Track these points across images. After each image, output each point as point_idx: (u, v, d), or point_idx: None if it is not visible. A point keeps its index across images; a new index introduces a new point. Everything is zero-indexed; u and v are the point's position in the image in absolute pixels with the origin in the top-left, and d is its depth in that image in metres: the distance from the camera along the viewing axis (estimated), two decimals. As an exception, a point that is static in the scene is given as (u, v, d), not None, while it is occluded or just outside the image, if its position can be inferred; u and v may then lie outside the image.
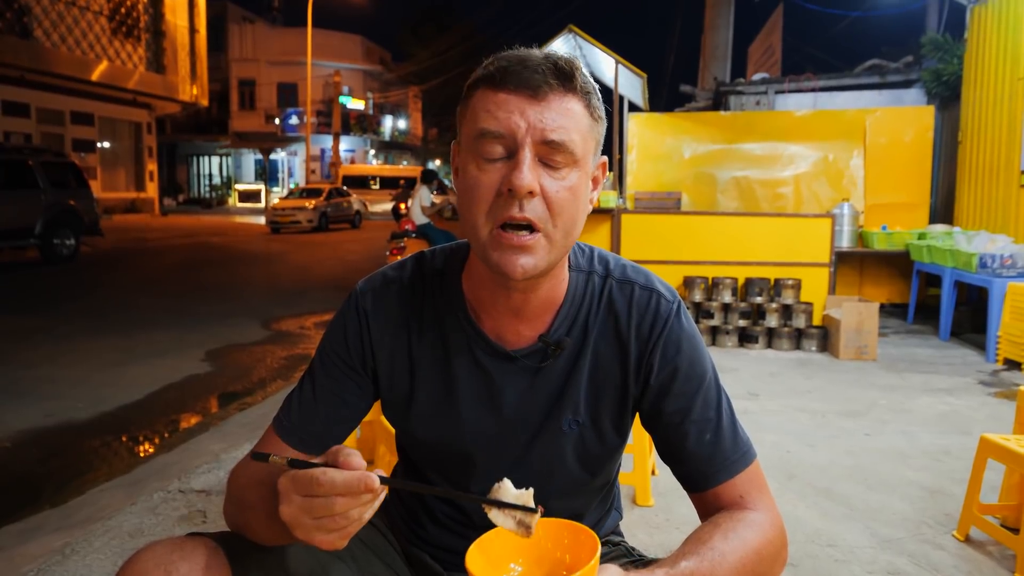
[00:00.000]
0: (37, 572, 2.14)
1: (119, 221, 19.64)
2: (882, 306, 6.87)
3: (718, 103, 10.05)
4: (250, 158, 35.66)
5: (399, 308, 1.04)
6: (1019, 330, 4.91)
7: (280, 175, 35.40)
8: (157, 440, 3.72)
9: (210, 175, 35.86)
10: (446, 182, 20.08)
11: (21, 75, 17.33)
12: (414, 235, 8.32)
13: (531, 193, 0.87)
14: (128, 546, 2.29)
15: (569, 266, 1.02)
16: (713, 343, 5.75)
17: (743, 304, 5.73)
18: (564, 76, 0.89)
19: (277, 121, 33.31)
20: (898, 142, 7.53)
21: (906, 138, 7.51)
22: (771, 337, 5.68)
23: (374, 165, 34.64)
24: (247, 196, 33.75)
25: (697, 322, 5.58)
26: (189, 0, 23.33)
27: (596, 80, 0.96)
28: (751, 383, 4.58)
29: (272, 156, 34.52)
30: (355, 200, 23.08)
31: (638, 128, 8.34)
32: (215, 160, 35.66)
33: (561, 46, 7.66)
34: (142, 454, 3.54)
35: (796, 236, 5.89)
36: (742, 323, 5.72)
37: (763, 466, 1.03)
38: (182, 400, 4.39)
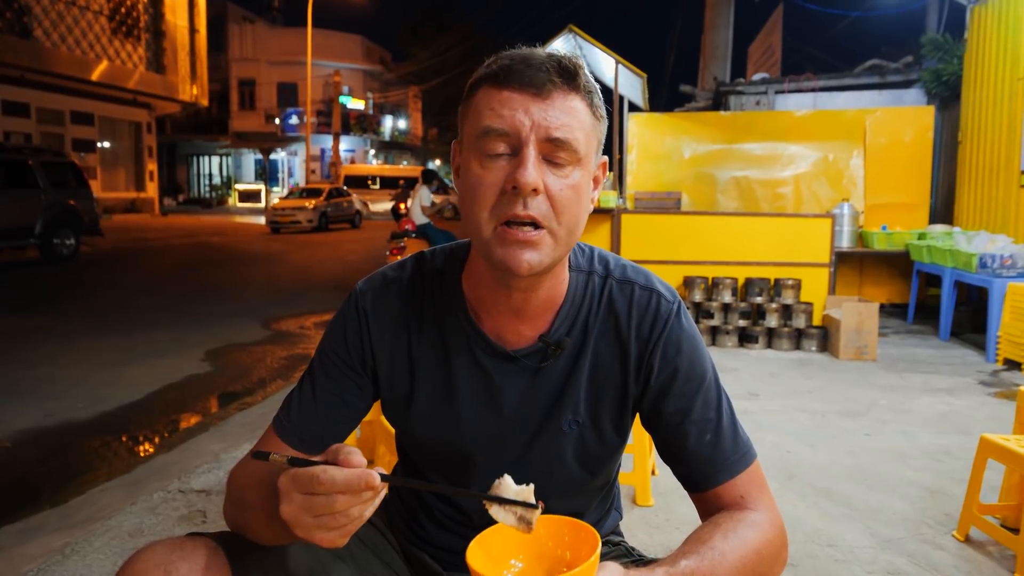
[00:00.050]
0: (37, 572, 2.14)
1: (119, 221, 19.64)
2: (882, 306, 6.88)
3: (718, 103, 10.05)
4: (250, 158, 35.66)
5: (399, 308, 1.04)
6: (1019, 330, 4.91)
7: (280, 175, 35.40)
8: (157, 440, 3.72)
9: (210, 175, 35.86)
10: (447, 182, 20.08)
11: (21, 75, 17.33)
12: (414, 235, 8.32)
13: (535, 191, 0.87)
14: (128, 546, 2.29)
15: (569, 266, 1.02)
16: (713, 343, 5.75)
17: (743, 304, 5.73)
18: (568, 75, 0.89)
19: (277, 121, 33.32)
20: (898, 142, 7.53)
21: (906, 138, 7.51)
22: (771, 337, 5.68)
23: (374, 165, 34.65)
24: (247, 196, 33.75)
25: (697, 322, 5.59)
26: (189, 0, 23.32)
27: (596, 80, 0.96)
28: (751, 383, 4.58)
29: (272, 156, 34.52)
30: (356, 200, 23.09)
31: (638, 128, 8.34)
32: (215, 160, 35.66)
33: (561, 46, 7.66)
34: (142, 454, 3.54)
35: (796, 236, 5.89)
36: (742, 323, 5.72)
37: (763, 466, 1.03)
38: (182, 400, 4.39)
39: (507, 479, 0.80)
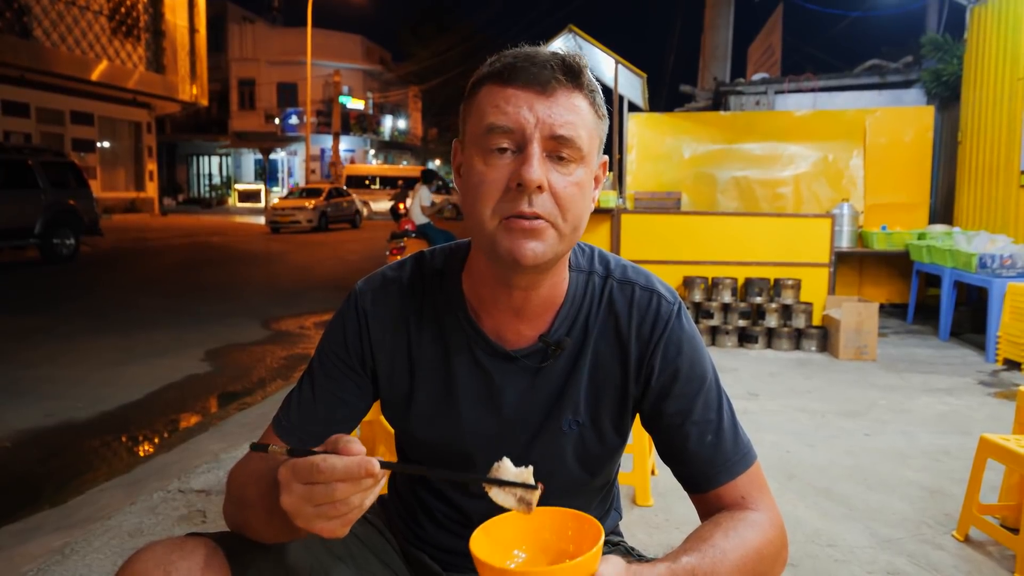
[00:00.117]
0: (37, 572, 2.14)
1: (119, 221, 19.64)
2: (882, 306, 6.88)
3: (718, 103, 10.05)
4: (250, 158, 35.66)
5: (399, 308, 1.04)
6: (1019, 330, 4.91)
7: (280, 175, 35.40)
8: (157, 440, 3.72)
9: (210, 175, 35.86)
10: (448, 182, 20.09)
11: (21, 75, 17.33)
12: (414, 235, 8.32)
13: (540, 188, 0.87)
14: (128, 546, 2.29)
15: (569, 266, 1.02)
16: (713, 343, 5.75)
17: (743, 304, 5.73)
18: (572, 73, 0.90)
19: (277, 121, 33.32)
20: (898, 142, 7.53)
21: (906, 138, 7.51)
22: (771, 337, 5.68)
23: (374, 165, 34.66)
24: (247, 196, 33.75)
25: (697, 322, 5.59)
26: (189, 0, 23.32)
27: (596, 80, 0.96)
28: (751, 383, 4.58)
29: (272, 156, 34.52)
30: (357, 200, 23.10)
31: (638, 128, 8.34)
32: (215, 160, 35.66)
33: (561, 46, 7.58)
34: (142, 454, 3.54)
35: (796, 236, 5.89)
36: (742, 323, 5.72)
37: (763, 466, 1.03)
38: (182, 400, 4.39)
39: (506, 462, 0.81)
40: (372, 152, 37.95)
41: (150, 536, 2.36)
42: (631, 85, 8.52)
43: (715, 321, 5.74)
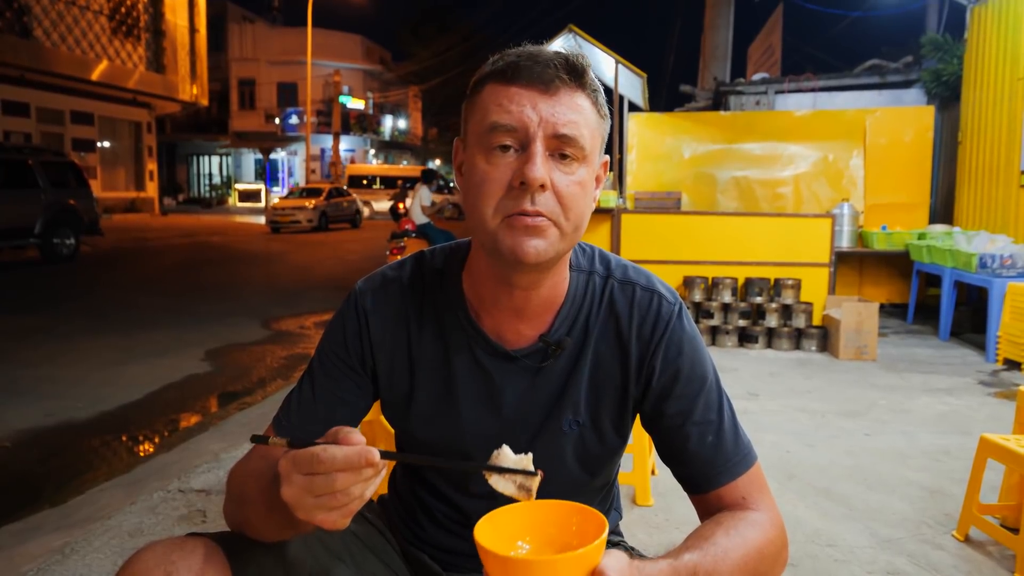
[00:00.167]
0: (37, 571, 2.14)
1: (119, 221, 19.63)
2: (882, 306, 6.88)
3: (718, 103, 10.05)
4: (250, 158, 35.67)
5: (399, 307, 1.04)
6: (1019, 330, 4.91)
7: (280, 175, 35.40)
8: (157, 440, 3.72)
9: (210, 175, 35.86)
10: (449, 181, 20.09)
11: (21, 74, 17.32)
12: (414, 235, 8.32)
13: (543, 187, 0.87)
14: (128, 546, 2.29)
15: (570, 266, 1.02)
16: (713, 343, 5.75)
17: (743, 304, 5.73)
18: (576, 72, 0.90)
19: (277, 121, 33.32)
20: (898, 142, 7.53)
21: (906, 138, 7.51)
22: (771, 337, 5.68)
23: (374, 165, 34.67)
24: (247, 196, 33.75)
25: (697, 322, 5.59)
26: (189, 0, 23.32)
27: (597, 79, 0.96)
28: (751, 383, 4.58)
29: (272, 156, 34.52)
30: (358, 200, 23.11)
31: (638, 128, 8.34)
32: (215, 160, 35.66)
33: (561, 46, 7.61)
34: (142, 454, 3.54)
35: (796, 236, 5.89)
36: (742, 323, 5.72)
37: (763, 466, 1.03)
38: (182, 400, 4.39)
39: (505, 449, 0.81)
40: (372, 152, 37.95)
41: (150, 536, 2.36)
42: (631, 85, 8.52)
43: (715, 321, 5.74)
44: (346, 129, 33.16)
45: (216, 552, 0.88)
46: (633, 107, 9.21)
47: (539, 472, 0.78)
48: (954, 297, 5.91)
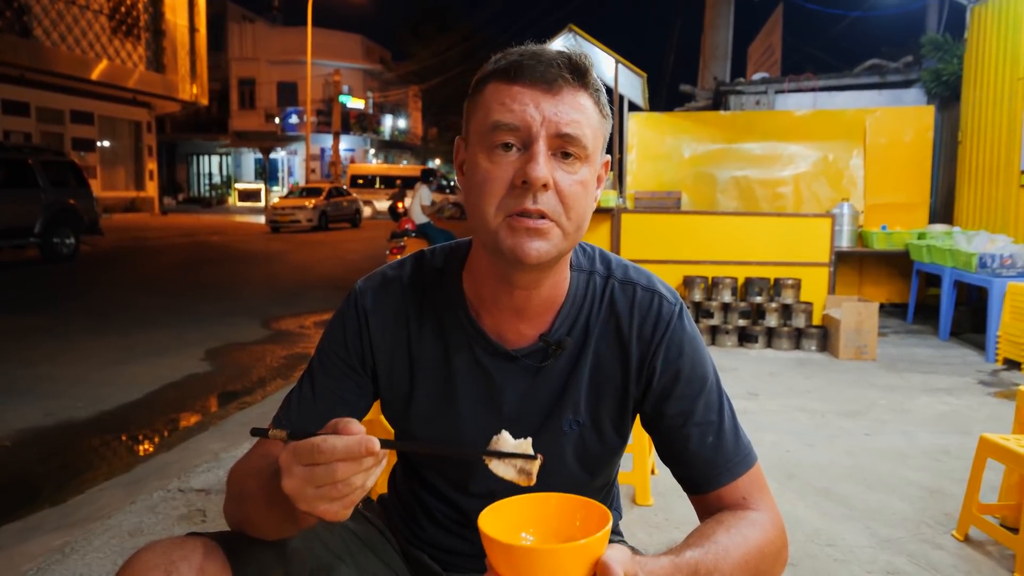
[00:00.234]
0: (37, 571, 2.14)
1: (119, 220, 19.63)
2: (882, 306, 6.87)
3: (718, 103, 10.05)
4: (250, 157, 35.65)
5: (399, 307, 1.04)
6: (1018, 330, 4.91)
7: (280, 174, 35.40)
8: (157, 439, 3.72)
9: (210, 174, 35.85)
10: (451, 180, 20.10)
11: (21, 74, 17.32)
12: (414, 234, 8.33)
13: (545, 186, 0.87)
14: (128, 545, 2.29)
15: (571, 266, 1.02)
16: (713, 343, 5.75)
17: (743, 304, 5.73)
18: (579, 72, 0.90)
19: (277, 120, 33.31)
20: (898, 142, 7.53)
21: (906, 138, 7.51)
22: (771, 337, 5.68)
23: (375, 164, 34.67)
24: (247, 195, 33.74)
25: (697, 322, 5.57)
26: (189, -1, 23.34)
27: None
28: (751, 383, 4.58)
29: (272, 155, 34.50)
30: (359, 199, 23.12)
31: (638, 128, 8.34)
32: (215, 159, 35.65)
33: (561, 45, 7.62)
34: (142, 453, 3.54)
35: (796, 236, 5.89)
36: (742, 323, 5.72)
37: (763, 466, 1.03)
38: (182, 399, 4.39)
39: (505, 434, 0.81)
40: (372, 151, 37.95)
41: (150, 535, 2.36)
42: (631, 85, 8.52)
43: (715, 321, 5.74)
44: (346, 129, 33.16)
45: (216, 551, 0.88)
46: (633, 107, 9.21)
47: (539, 456, 0.79)
48: (954, 297, 5.91)
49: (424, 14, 42.71)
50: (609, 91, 7.69)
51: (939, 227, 6.81)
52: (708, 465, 0.98)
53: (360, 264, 11.73)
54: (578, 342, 1.01)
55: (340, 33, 34.53)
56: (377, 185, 28.63)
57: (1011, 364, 5.02)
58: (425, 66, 37.70)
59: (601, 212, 5.94)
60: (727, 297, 5.76)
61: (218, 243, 15.38)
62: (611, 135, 0.98)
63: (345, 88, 32.89)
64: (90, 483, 3.03)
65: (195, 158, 35.70)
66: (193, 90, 23.71)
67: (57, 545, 2.30)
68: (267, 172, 33.74)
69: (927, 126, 7.50)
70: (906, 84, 8.73)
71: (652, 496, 2.69)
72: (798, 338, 5.63)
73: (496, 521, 0.76)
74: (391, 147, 40.51)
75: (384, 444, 0.73)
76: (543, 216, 0.88)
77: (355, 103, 34.51)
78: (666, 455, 1.03)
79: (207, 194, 34.62)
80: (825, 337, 5.56)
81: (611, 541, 1.15)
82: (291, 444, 0.74)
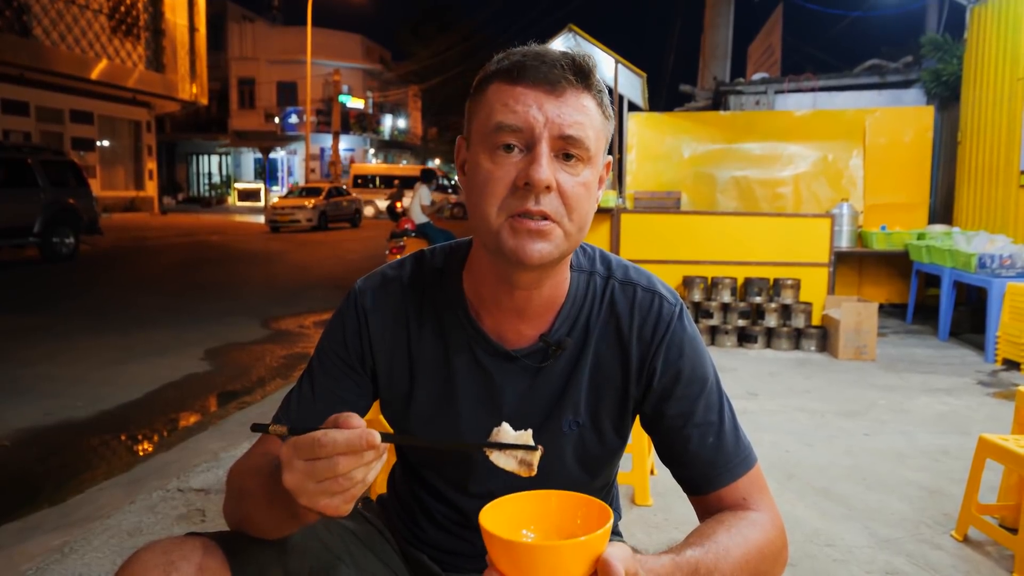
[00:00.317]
0: (36, 571, 2.14)
1: (118, 220, 19.62)
2: (881, 306, 6.87)
3: (718, 103, 10.05)
4: (249, 157, 35.65)
5: (398, 307, 1.04)
6: (1018, 330, 4.91)
7: (279, 174, 35.39)
8: (156, 439, 3.72)
9: (209, 174, 35.85)
10: (451, 180, 20.09)
11: (20, 73, 17.30)
12: (413, 234, 8.33)
13: (548, 188, 0.87)
14: (127, 545, 2.29)
15: (571, 266, 1.02)
16: (712, 343, 5.75)
17: (742, 304, 5.73)
18: (582, 73, 0.90)
19: (277, 120, 33.30)
20: (898, 142, 7.53)
21: (906, 138, 7.51)
22: (770, 337, 5.68)
23: (376, 164, 34.67)
24: (246, 195, 33.75)
25: (696, 322, 5.58)
26: (189, -1, 23.33)
27: (597, 79, 0.96)
28: (750, 383, 4.58)
29: (272, 155, 34.50)
30: (360, 199, 23.12)
31: (638, 128, 8.34)
32: (214, 159, 35.64)
33: (561, 45, 7.64)
34: (141, 453, 3.54)
35: (795, 236, 5.89)
36: (741, 323, 5.72)
37: (762, 466, 1.03)
38: (181, 399, 4.39)
39: (505, 426, 0.81)
40: (372, 151, 37.94)
41: (149, 535, 2.36)
42: (631, 85, 8.53)
43: (715, 321, 5.74)
44: (346, 128, 33.15)
45: (215, 551, 0.88)
46: (633, 107, 9.21)
47: (539, 447, 0.79)
48: (953, 297, 5.92)
49: (424, 14, 42.73)
50: (609, 91, 7.70)
51: (938, 227, 6.82)
52: (708, 466, 0.98)
53: (360, 264, 11.73)
54: (578, 343, 1.01)
55: (340, 33, 34.51)
56: (377, 184, 28.64)
57: (1010, 364, 5.02)
58: (425, 66, 37.68)
59: (601, 212, 5.94)
60: (727, 297, 5.76)
61: (218, 243, 15.38)
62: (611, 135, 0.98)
63: (345, 88, 32.88)
64: (89, 483, 3.03)
65: (195, 158, 35.69)
66: (193, 90, 23.70)
67: (56, 545, 2.30)
68: (267, 172, 33.74)
69: (927, 126, 7.50)
70: (906, 84, 8.73)
71: (651, 496, 2.69)
72: (797, 338, 5.63)
73: (497, 518, 0.76)
74: (391, 147, 40.50)
75: (385, 438, 0.73)
76: (545, 217, 0.88)
77: (355, 103, 34.50)
78: (666, 456, 1.03)
79: (207, 194, 34.62)
80: (824, 337, 5.56)
81: (610, 541, 1.16)
82: (292, 439, 0.74)
